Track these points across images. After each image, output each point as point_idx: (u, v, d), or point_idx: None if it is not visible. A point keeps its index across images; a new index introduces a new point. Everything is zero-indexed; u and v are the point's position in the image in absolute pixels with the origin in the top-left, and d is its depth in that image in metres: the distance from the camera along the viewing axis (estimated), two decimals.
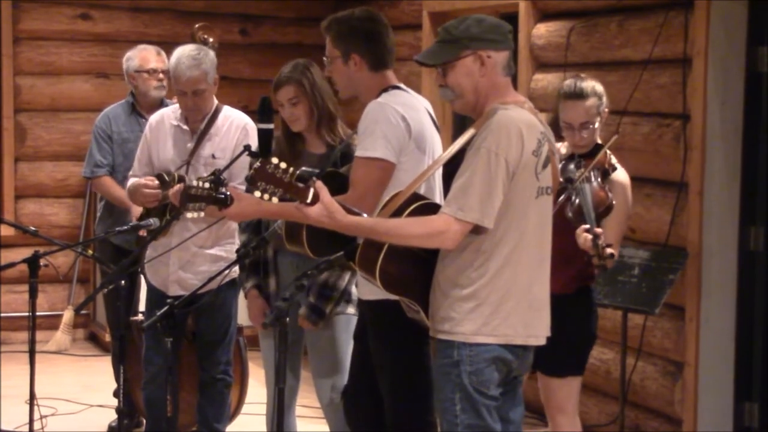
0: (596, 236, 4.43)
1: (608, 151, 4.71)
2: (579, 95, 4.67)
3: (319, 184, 3.63)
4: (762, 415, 5.48)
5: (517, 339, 3.75)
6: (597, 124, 4.70)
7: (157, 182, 5.17)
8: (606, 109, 4.74)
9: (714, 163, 5.47)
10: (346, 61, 4.26)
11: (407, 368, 4.27)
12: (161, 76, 6.30)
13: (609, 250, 4.43)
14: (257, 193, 3.56)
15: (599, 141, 4.76)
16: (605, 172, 4.66)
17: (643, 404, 5.86)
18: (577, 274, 4.60)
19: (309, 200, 3.61)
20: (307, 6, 8.96)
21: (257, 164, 3.56)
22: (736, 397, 5.54)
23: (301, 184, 3.60)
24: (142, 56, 6.35)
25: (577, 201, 4.56)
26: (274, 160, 3.56)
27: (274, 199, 3.57)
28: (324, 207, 3.62)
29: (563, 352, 4.51)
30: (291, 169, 3.58)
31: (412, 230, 3.66)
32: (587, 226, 4.48)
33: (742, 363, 5.52)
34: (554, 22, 6.52)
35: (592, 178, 4.62)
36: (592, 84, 4.71)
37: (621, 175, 4.73)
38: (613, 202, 4.61)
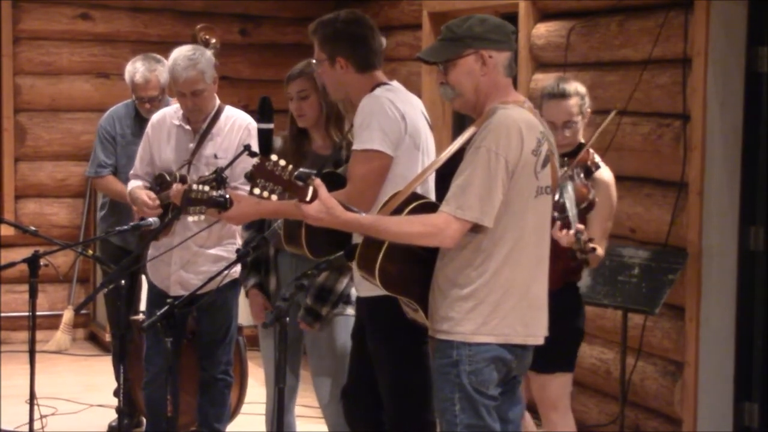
0: (578, 232, 4.47)
1: (591, 150, 4.82)
2: (562, 95, 4.78)
3: (318, 181, 3.63)
4: (762, 415, 5.48)
5: (516, 338, 3.75)
6: (579, 124, 4.81)
7: (157, 202, 5.17)
8: (588, 109, 4.85)
9: (714, 163, 5.47)
10: (332, 63, 4.26)
11: (406, 368, 4.27)
12: (151, 101, 6.19)
13: (591, 245, 4.48)
14: (257, 191, 3.56)
15: (582, 140, 4.86)
16: (588, 170, 4.76)
17: (643, 404, 5.85)
18: (562, 271, 4.61)
19: (308, 198, 3.61)
20: (307, 6, 8.95)
21: (256, 161, 3.57)
22: (736, 397, 5.53)
23: (300, 182, 3.60)
24: (135, 83, 6.18)
25: (561, 198, 4.61)
26: (274, 158, 3.57)
27: (273, 197, 3.58)
28: (322, 204, 3.61)
29: (551, 348, 4.51)
30: (290, 166, 3.59)
31: (411, 228, 3.66)
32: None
33: (742, 363, 5.51)
34: (554, 22, 6.51)
35: (575, 175, 4.71)
36: (574, 85, 4.84)
37: (605, 173, 4.82)
38: (595, 199, 4.70)
